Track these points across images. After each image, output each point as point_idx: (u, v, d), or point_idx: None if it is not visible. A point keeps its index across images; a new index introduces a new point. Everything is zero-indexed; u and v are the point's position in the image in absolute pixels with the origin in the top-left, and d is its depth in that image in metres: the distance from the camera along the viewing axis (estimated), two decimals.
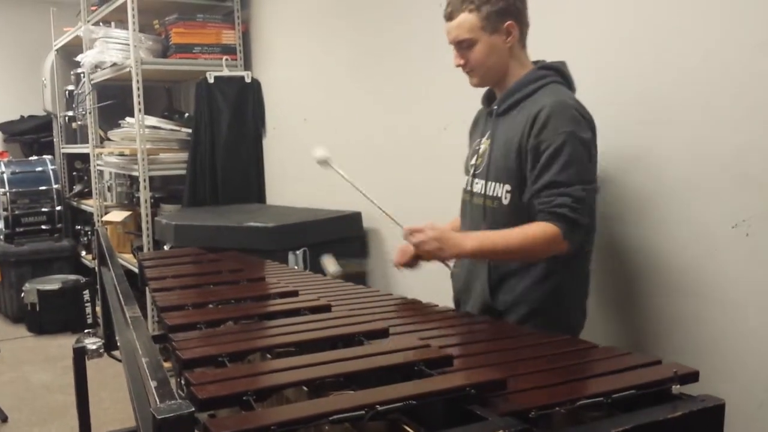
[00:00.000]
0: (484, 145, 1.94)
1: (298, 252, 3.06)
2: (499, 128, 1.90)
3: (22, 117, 6.45)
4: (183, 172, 4.23)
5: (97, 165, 5.10)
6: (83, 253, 5.65)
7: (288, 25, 3.92)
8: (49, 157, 5.90)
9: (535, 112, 1.78)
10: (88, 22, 4.88)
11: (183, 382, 1.18)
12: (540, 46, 1.95)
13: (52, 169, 5.74)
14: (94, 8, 4.77)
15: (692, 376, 1.19)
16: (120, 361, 1.75)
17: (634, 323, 2.08)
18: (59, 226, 5.68)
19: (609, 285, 2.13)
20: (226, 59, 4.25)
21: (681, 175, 1.90)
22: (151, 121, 4.23)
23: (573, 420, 1.10)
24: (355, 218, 3.30)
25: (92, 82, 4.90)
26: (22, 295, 5.07)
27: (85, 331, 2.48)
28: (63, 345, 4.58)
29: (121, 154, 4.42)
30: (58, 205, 5.67)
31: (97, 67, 4.57)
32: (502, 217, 1.85)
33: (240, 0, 4.32)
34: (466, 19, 1.84)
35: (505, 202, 1.84)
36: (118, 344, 1.79)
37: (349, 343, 1.41)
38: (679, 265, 1.93)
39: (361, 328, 1.47)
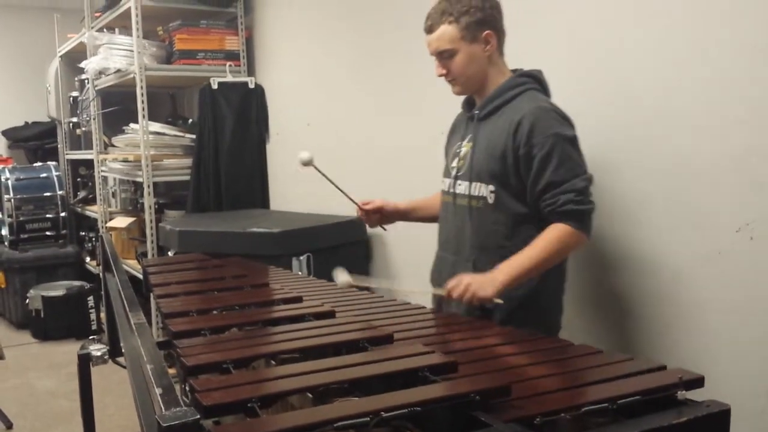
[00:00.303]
0: (465, 147, 2.01)
1: (302, 258, 3.06)
2: (481, 132, 1.96)
3: (26, 123, 6.47)
4: (187, 177, 4.23)
5: (102, 171, 5.10)
6: (88, 259, 5.64)
7: (291, 30, 3.93)
8: (54, 163, 5.90)
9: (517, 119, 1.86)
10: (92, 28, 4.89)
11: (188, 388, 1.18)
12: (527, 55, 1.97)
13: (57, 176, 5.73)
14: (98, 15, 4.78)
15: (698, 382, 1.18)
16: (125, 367, 1.74)
17: (636, 329, 2.08)
18: (63, 232, 5.68)
19: (610, 291, 2.13)
20: (230, 65, 4.26)
21: (685, 178, 1.90)
22: (155, 127, 4.23)
23: (578, 426, 1.10)
24: (358, 224, 3.28)
25: (96, 88, 4.91)
26: (27, 301, 5.07)
27: (90, 337, 2.48)
28: (67, 351, 4.57)
29: (125, 160, 4.42)
30: (62, 212, 5.67)
31: (101, 73, 4.58)
32: (487, 215, 1.92)
33: (243, 6, 4.33)
34: (446, 30, 1.91)
35: (490, 201, 1.90)
36: (123, 350, 1.79)
37: (354, 349, 1.41)
38: (683, 269, 1.93)
39: (365, 335, 1.47)
